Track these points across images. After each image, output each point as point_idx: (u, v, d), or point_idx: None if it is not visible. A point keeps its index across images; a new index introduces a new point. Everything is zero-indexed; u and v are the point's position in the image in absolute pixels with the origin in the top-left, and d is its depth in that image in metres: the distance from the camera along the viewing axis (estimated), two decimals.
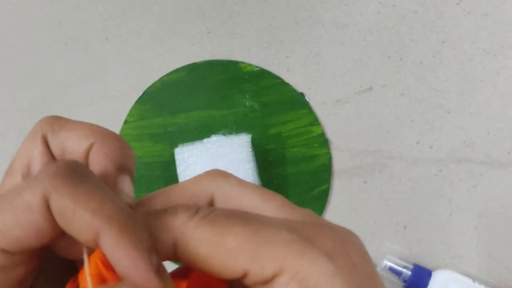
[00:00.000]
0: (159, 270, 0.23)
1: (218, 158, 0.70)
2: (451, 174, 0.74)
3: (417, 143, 0.75)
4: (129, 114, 0.78)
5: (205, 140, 0.72)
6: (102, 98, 0.79)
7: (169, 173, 0.75)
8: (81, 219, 0.22)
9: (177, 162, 0.71)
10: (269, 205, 0.26)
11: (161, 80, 0.78)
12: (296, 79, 0.77)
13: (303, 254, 0.22)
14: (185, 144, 0.73)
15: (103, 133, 0.27)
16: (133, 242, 0.22)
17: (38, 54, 0.81)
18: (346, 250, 0.23)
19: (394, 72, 0.76)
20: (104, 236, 0.22)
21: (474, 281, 0.69)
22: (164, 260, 0.24)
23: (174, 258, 0.24)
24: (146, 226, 0.24)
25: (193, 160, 0.71)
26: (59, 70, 0.81)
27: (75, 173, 0.23)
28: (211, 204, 0.27)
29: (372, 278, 0.24)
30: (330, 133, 0.76)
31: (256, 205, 0.26)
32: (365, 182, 0.74)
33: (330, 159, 0.75)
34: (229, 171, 0.71)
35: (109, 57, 0.80)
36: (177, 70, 0.78)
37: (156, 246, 0.23)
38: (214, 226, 0.23)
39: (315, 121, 0.76)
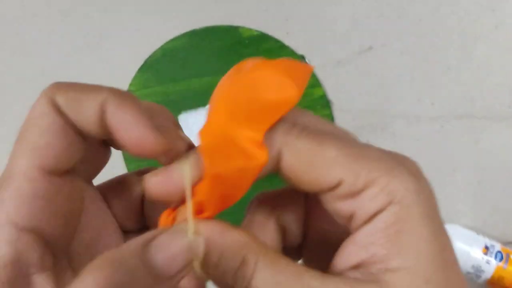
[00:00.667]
0: (161, 130, 0.25)
1: None
2: (452, 130, 0.75)
3: (418, 100, 0.76)
4: (131, 84, 0.78)
5: (207, 106, 0.73)
6: (104, 68, 0.80)
7: None
8: (87, 100, 0.25)
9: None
10: (359, 172, 0.25)
11: (162, 48, 0.78)
12: (296, 42, 0.77)
13: (393, 169, 0.24)
14: (188, 111, 0.73)
15: (118, 93, 0.27)
16: (132, 107, 0.25)
17: (37, 26, 0.81)
18: (426, 178, 0.25)
19: (393, 31, 0.76)
20: (108, 105, 0.25)
21: (478, 234, 0.70)
22: (267, 173, 0.25)
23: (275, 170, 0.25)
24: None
25: (197, 126, 0.71)
26: (59, 42, 0.81)
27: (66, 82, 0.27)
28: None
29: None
30: (331, 94, 0.76)
31: (339, 171, 0.25)
32: (368, 141, 0.75)
33: (332, 120, 0.76)
34: None
35: (109, 27, 0.80)
36: (177, 38, 0.78)
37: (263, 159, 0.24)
38: (314, 138, 0.24)
39: (317, 83, 0.76)
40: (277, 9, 0.78)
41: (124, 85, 0.78)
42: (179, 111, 0.75)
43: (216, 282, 0.25)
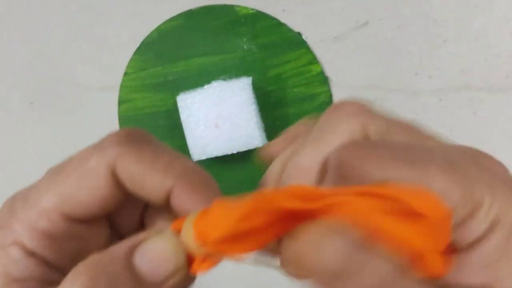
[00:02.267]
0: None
1: (221, 103, 0.71)
2: (451, 103, 0.75)
3: (416, 74, 0.76)
4: (129, 66, 0.78)
5: (206, 86, 0.73)
6: (100, 52, 0.80)
7: (172, 121, 0.76)
8: (152, 180, 0.23)
9: (180, 110, 0.72)
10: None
11: (158, 29, 0.78)
12: (292, 19, 0.77)
13: (495, 188, 0.22)
14: (186, 91, 0.74)
15: (186, 172, 0.25)
16: (203, 197, 0.23)
17: (33, 11, 0.81)
18: None
19: (389, 4, 0.76)
20: (176, 193, 0.23)
21: None
22: None
23: None
24: (213, 182, 0.24)
25: (196, 106, 0.72)
26: (55, 27, 0.80)
27: (138, 138, 0.24)
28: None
29: None
30: (329, 71, 0.76)
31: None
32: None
33: (330, 96, 0.76)
34: (233, 114, 0.72)
35: (104, 9, 0.80)
36: (173, 18, 0.78)
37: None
38: (414, 166, 0.22)
39: (314, 60, 0.76)
40: None
41: (121, 68, 0.78)
42: (177, 91, 0.75)
43: None
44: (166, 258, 0.22)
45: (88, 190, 0.24)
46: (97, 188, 0.24)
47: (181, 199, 0.23)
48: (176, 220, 0.24)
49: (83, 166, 0.24)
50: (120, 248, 0.23)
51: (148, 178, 0.24)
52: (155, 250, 0.22)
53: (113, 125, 0.78)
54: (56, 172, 0.25)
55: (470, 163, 0.23)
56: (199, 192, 0.24)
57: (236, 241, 0.21)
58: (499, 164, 0.24)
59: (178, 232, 0.23)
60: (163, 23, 0.78)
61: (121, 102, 0.78)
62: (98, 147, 0.24)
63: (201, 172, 0.25)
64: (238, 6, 0.77)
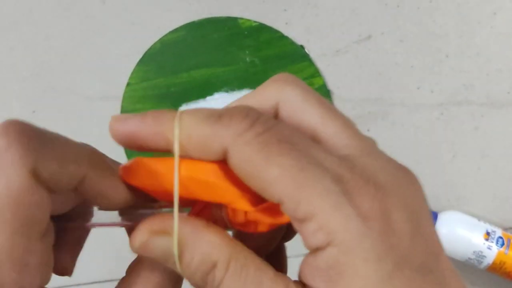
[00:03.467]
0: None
1: None
2: (452, 117, 0.75)
3: (418, 88, 0.76)
4: (131, 77, 0.78)
5: (208, 98, 0.73)
6: (103, 62, 0.80)
7: None
8: (69, 173, 0.25)
9: None
10: (329, 128, 0.26)
11: (161, 40, 0.78)
12: (295, 32, 0.77)
13: (338, 209, 0.22)
14: (188, 103, 0.74)
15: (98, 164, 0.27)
16: (110, 175, 0.27)
17: (36, 21, 0.81)
18: (386, 210, 0.23)
19: (392, 19, 0.76)
20: (88, 179, 0.26)
21: (479, 220, 0.70)
22: (211, 159, 0.25)
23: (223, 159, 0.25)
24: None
25: None
26: (58, 37, 0.81)
27: (37, 134, 0.24)
28: (276, 112, 0.27)
29: (413, 236, 0.24)
30: (331, 84, 0.76)
31: (314, 124, 0.26)
32: (368, 130, 0.76)
33: None
34: None
35: (107, 20, 0.80)
36: (176, 30, 0.78)
37: (203, 148, 0.24)
38: (263, 149, 0.23)
39: (316, 73, 0.76)
40: (276, 0, 0.78)
41: (124, 78, 0.78)
42: (179, 103, 0.75)
43: (189, 281, 0.25)
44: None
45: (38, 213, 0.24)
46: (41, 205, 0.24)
47: (93, 185, 0.26)
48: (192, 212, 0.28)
49: (27, 196, 0.23)
50: None
51: (65, 173, 0.25)
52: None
53: None
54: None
55: (331, 176, 0.23)
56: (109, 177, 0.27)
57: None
58: (372, 192, 0.24)
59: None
60: (166, 35, 0.78)
61: (123, 112, 0.78)
62: (19, 161, 0.23)
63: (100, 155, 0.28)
64: (242, 18, 0.77)
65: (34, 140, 0.23)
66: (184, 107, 0.73)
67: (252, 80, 0.76)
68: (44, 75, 0.80)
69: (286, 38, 0.77)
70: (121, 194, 0.27)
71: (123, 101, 0.78)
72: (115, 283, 0.28)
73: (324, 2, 0.77)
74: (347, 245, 0.22)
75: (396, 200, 0.24)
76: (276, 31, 0.77)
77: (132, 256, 0.28)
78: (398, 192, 0.24)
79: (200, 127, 0.24)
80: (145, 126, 0.26)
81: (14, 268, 0.23)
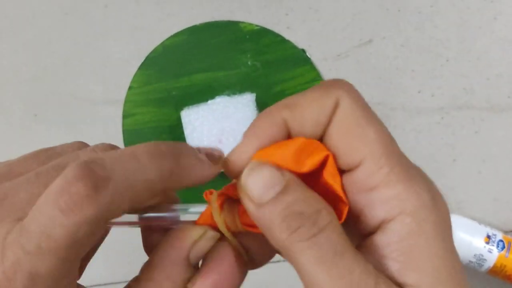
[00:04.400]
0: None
1: (224, 119, 0.71)
2: (453, 121, 0.75)
3: (419, 92, 0.76)
4: (133, 80, 0.78)
5: (209, 101, 0.73)
6: (105, 66, 0.80)
7: (176, 136, 0.76)
8: (139, 202, 0.27)
9: (184, 125, 0.73)
10: (382, 165, 0.26)
11: (162, 44, 0.78)
12: (296, 36, 0.77)
13: (413, 181, 0.25)
14: (190, 106, 0.74)
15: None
16: (185, 165, 0.28)
17: (38, 25, 0.81)
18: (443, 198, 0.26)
19: (393, 23, 0.77)
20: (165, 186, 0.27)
21: (480, 224, 0.71)
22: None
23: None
24: None
25: (200, 122, 0.72)
26: (60, 41, 0.81)
27: (103, 181, 0.24)
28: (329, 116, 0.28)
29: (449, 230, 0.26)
30: None
31: (368, 151, 0.26)
32: None
33: None
34: (236, 130, 0.72)
35: (110, 24, 0.81)
36: (178, 34, 0.78)
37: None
38: (365, 110, 0.27)
39: (318, 77, 0.76)
40: (277, 4, 0.78)
41: (125, 82, 0.78)
42: (181, 106, 0.75)
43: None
44: (208, 249, 0.29)
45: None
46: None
47: (182, 185, 0.28)
48: (201, 217, 0.29)
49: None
50: (178, 254, 0.28)
51: (138, 201, 0.26)
52: (203, 250, 0.28)
53: (117, 138, 0.78)
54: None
55: (405, 157, 0.27)
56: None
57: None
58: (431, 180, 0.27)
59: (204, 222, 0.29)
60: (168, 39, 0.78)
61: (125, 116, 0.78)
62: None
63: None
64: (243, 22, 0.77)
65: (103, 189, 0.24)
66: (185, 111, 0.73)
67: (253, 83, 0.76)
68: (45, 79, 0.81)
69: (288, 42, 0.77)
70: (206, 173, 0.29)
71: (124, 105, 0.78)
72: (116, 286, 0.28)
73: (325, 6, 0.78)
74: (420, 216, 0.24)
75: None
76: (278, 35, 0.77)
77: (131, 259, 0.28)
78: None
79: (312, 95, 0.27)
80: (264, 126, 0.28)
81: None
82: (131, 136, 0.78)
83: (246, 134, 0.28)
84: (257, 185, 0.25)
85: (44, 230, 0.23)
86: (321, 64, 0.77)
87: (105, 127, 0.79)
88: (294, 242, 0.24)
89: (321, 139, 0.27)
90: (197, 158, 0.29)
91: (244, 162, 0.27)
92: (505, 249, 0.68)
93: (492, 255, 0.68)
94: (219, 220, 0.28)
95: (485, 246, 0.68)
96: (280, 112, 0.27)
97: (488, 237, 0.69)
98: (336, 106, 0.27)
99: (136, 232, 0.32)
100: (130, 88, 0.78)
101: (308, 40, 0.77)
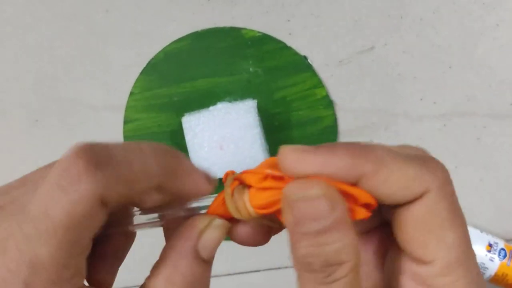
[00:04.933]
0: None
1: (225, 125, 0.71)
2: (455, 128, 0.75)
3: (421, 99, 0.76)
4: (134, 86, 0.78)
5: (211, 107, 0.73)
6: (106, 71, 0.80)
7: (177, 142, 0.76)
8: (139, 190, 0.26)
9: (185, 131, 0.72)
10: (452, 273, 0.27)
11: (164, 50, 0.78)
12: (298, 43, 0.77)
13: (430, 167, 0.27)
14: (191, 112, 0.74)
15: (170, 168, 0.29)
16: (186, 173, 0.29)
17: (39, 31, 0.81)
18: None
19: (395, 30, 0.77)
20: (164, 185, 0.27)
21: (481, 232, 0.70)
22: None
23: None
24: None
25: (201, 128, 0.72)
26: (61, 46, 0.81)
27: (104, 159, 0.25)
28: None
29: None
30: (334, 95, 0.77)
31: (442, 256, 0.27)
32: (371, 141, 0.76)
33: (335, 120, 0.76)
34: (237, 137, 0.72)
35: (111, 30, 0.81)
36: (179, 40, 0.78)
37: None
38: (451, 207, 0.27)
39: (319, 84, 0.76)
40: (279, 10, 0.78)
41: (127, 88, 0.78)
42: (182, 112, 0.75)
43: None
44: (220, 241, 0.29)
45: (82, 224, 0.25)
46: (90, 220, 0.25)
47: (175, 189, 0.28)
48: (213, 205, 0.29)
49: (89, 220, 0.25)
50: (186, 244, 0.28)
51: (135, 191, 0.26)
52: (213, 240, 0.28)
53: None
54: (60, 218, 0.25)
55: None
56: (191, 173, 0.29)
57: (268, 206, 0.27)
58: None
59: (213, 213, 0.29)
60: (170, 44, 0.78)
61: (126, 121, 0.78)
62: (89, 188, 0.24)
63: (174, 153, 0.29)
64: (245, 29, 0.77)
65: (102, 166, 0.24)
66: (186, 117, 0.73)
67: (255, 90, 0.76)
68: (46, 84, 0.81)
69: (289, 48, 0.77)
70: (200, 187, 0.29)
71: (126, 111, 0.78)
72: None
73: (327, 12, 0.78)
74: (442, 192, 0.26)
75: None
76: (279, 42, 0.77)
77: (138, 265, 0.28)
78: None
79: (405, 167, 0.26)
80: (336, 159, 0.26)
81: (48, 280, 0.24)
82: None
83: (318, 151, 0.26)
84: (306, 208, 0.25)
85: (44, 210, 0.23)
86: (323, 70, 0.77)
87: (106, 133, 0.79)
88: (303, 275, 0.25)
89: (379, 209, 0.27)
90: (196, 169, 0.29)
91: (301, 169, 0.26)
92: (507, 258, 0.68)
93: (493, 264, 0.67)
94: (231, 203, 0.28)
95: (486, 255, 0.68)
96: (363, 161, 0.26)
97: (490, 245, 0.68)
98: (424, 192, 0.26)
99: (143, 237, 0.32)
100: (131, 93, 0.78)
101: (309, 46, 0.77)
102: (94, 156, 0.24)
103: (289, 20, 0.78)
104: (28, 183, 0.28)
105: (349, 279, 0.25)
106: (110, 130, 0.79)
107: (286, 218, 0.25)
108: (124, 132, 0.78)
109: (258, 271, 0.76)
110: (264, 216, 0.28)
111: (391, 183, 0.26)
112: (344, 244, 0.24)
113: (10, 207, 0.26)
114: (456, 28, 0.76)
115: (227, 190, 0.28)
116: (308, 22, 0.78)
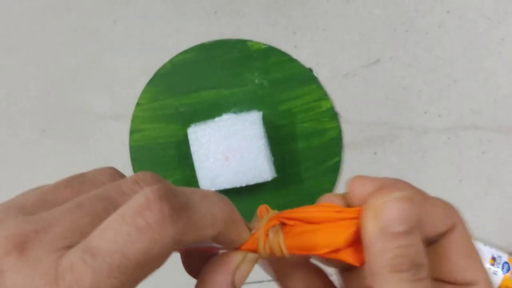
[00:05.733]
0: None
1: (231, 136, 0.72)
2: (459, 142, 0.75)
3: (425, 112, 0.76)
4: (141, 97, 0.79)
5: (216, 118, 0.74)
6: (113, 82, 0.81)
7: (183, 152, 0.77)
8: (205, 235, 0.27)
9: (191, 142, 0.73)
10: None
11: (171, 61, 0.79)
12: (304, 55, 0.78)
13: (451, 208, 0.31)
14: (197, 123, 0.74)
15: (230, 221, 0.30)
16: (238, 225, 0.30)
17: (47, 41, 0.82)
18: None
19: (400, 43, 0.77)
20: (221, 233, 0.29)
21: (485, 245, 0.70)
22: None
23: None
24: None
25: (206, 139, 0.72)
26: (68, 56, 0.82)
27: (183, 207, 0.26)
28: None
29: None
30: (339, 107, 0.77)
31: (482, 278, 0.31)
32: (375, 153, 0.76)
33: (340, 132, 0.76)
34: (242, 148, 0.72)
35: (118, 40, 0.81)
36: (186, 51, 0.79)
37: None
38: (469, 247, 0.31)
39: (324, 96, 0.77)
40: (285, 23, 0.79)
41: (133, 98, 0.79)
42: (188, 123, 0.76)
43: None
44: (250, 272, 0.31)
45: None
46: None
47: (227, 238, 0.30)
48: (247, 244, 0.31)
49: (160, 260, 0.26)
50: (224, 279, 0.30)
51: (201, 236, 0.27)
52: (246, 272, 0.31)
53: (124, 154, 0.78)
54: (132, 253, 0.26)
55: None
56: (239, 227, 0.30)
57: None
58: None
59: (246, 249, 0.31)
60: (176, 56, 0.79)
61: (132, 131, 0.79)
62: (167, 231, 0.25)
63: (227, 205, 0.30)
64: (251, 41, 0.78)
65: (183, 213, 0.25)
66: (192, 127, 0.73)
67: (260, 101, 0.77)
68: (54, 94, 0.81)
69: (295, 61, 0.77)
70: (244, 238, 0.31)
71: (132, 121, 0.79)
72: None
73: (333, 25, 0.78)
74: (464, 224, 0.31)
75: None
76: (285, 54, 0.78)
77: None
78: None
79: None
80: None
81: None
82: (138, 151, 0.78)
83: (374, 183, 0.30)
84: (393, 211, 0.27)
85: (117, 247, 0.24)
86: (328, 83, 0.77)
87: (112, 143, 0.80)
88: (391, 277, 0.27)
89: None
90: (242, 219, 0.31)
91: (365, 191, 0.30)
92: (510, 271, 0.68)
93: (497, 277, 0.67)
94: (262, 245, 0.30)
95: (490, 268, 0.68)
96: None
97: (493, 259, 0.69)
98: (453, 226, 0.30)
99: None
100: (137, 104, 0.79)
101: (315, 59, 0.78)
102: (178, 202, 0.25)
103: (295, 33, 0.78)
104: (49, 205, 0.28)
105: (428, 280, 0.27)
106: (117, 140, 0.79)
107: (368, 226, 0.27)
108: (130, 142, 0.79)
109: (262, 282, 0.76)
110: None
111: (432, 215, 0.30)
112: (422, 247, 0.27)
113: (47, 232, 0.25)
114: (461, 42, 0.77)
115: (261, 231, 0.31)
116: (314, 35, 0.78)
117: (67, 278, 0.23)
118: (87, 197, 0.28)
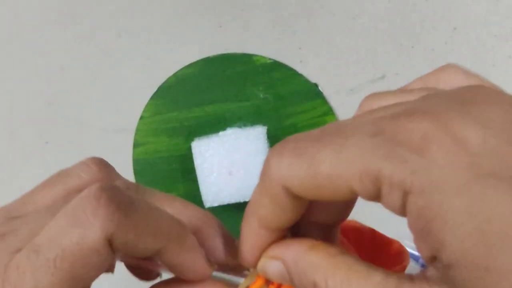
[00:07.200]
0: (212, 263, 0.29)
1: (235, 151, 0.71)
2: None
3: None
4: (145, 110, 0.79)
5: (220, 133, 0.73)
6: (117, 95, 0.80)
7: (186, 166, 0.76)
8: (144, 245, 0.26)
9: (194, 156, 0.72)
10: None
11: (175, 75, 0.79)
12: (309, 70, 0.77)
13: None
14: (201, 137, 0.74)
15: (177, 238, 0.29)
16: (189, 249, 0.28)
17: (51, 53, 0.82)
18: None
19: (406, 59, 0.77)
20: (165, 251, 0.27)
21: None
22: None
23: None
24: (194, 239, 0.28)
25: (210, 153, 0.72)
26: (72, 69, 0.82)
27: (124, 204, 0.25)
28: None
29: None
30: None
31: None
32: None
33: None
34: (246, 162, 0.72)
35: (123, 53, 0.81)
36: (190, 65, 0.79)
37: None
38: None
39: (329, 111, 0.76)
40: (290, 38, 0.78)
41: (137, 111, 0.79)
42: (192, 137, 0.75)
43: None
44: None
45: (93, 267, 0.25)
46: (103, 262, 0.25)
47: (170, 258, 0.27)
48: None
49: (83, 249, 0.24)
50: None
51: (141, 244, 0.26)
52: None
53: (128, 167, 0.78)
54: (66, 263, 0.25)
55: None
56: (184, 247, 0.28)
57: None
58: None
59: None
60: (181, 69, 0.79)
61: (136, 145, 0.78)
62: (89, 221, 0.24)
63: (183, 228, 0.28)
64: (256, 55, 0.78)
65: (120, 210, 0.25)
66: (196, 142, 0.73)
67: (265, 116, 0.76)
68: (57, 106, 0.81)
69: (300, 76, 0.77)
70: (198, 269, 0.29)
71: (136, 134, 0.78)
72: None
73: (339, 41, 0.78)
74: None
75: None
76: (290, 69, 0.77)
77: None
78: None
79: None
80: None
81: None
82: (141, 165, 0.78)
83: None
84: None
85: (56, 240, 0.24)
86: (334, 98, 0.77)
87: (116, 156, 0.79)
88: None
89: None
90: (199, 248, 0.29)
91: None
92: None
93: None
94: None
95: None
96: None
97: None
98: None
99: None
100: (141, 117, 0.78)
101: (320, 74, 0.77)
102: (119, 197, 0.25)
103: (300, 48, 0.78)
104: (26, 210, 0.29)
105: None
106: (120, 153, 0.79)
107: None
108: (134, 155, 0.78)
109: None
110: None
111: None
112: None
113: (4, 239, 0.26)
114: (467, 59, 0.76)
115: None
116: (320, 50, 0.78)
117: (12, 277, 0.24)
118: (57, 199, 0.29)
